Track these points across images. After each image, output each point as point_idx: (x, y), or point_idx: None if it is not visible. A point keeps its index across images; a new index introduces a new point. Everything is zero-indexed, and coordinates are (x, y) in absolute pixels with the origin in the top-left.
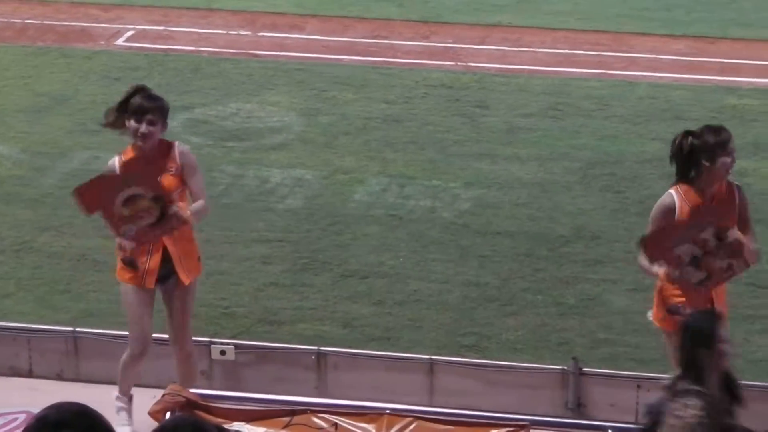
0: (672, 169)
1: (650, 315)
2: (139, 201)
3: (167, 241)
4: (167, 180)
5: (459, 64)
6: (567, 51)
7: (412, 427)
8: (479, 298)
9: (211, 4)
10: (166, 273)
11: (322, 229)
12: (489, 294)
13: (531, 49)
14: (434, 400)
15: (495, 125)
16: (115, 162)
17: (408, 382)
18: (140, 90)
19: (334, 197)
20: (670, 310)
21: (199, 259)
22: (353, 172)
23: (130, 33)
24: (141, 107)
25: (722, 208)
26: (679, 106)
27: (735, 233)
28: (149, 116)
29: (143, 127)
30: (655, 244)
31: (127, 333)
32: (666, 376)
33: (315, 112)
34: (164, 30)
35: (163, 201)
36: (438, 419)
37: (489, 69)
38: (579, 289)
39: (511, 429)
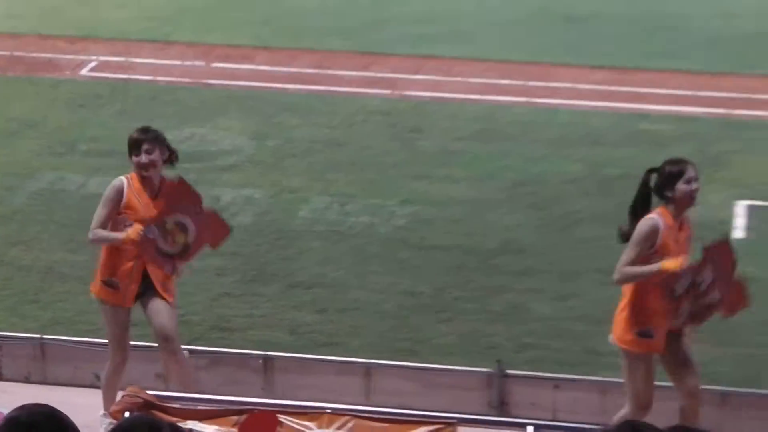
0: (589, 186)
1: (612, 338)
2: (180, 233)
3: (150, 267)
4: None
5: (396, 92)
6: (495, 80)
7: (350, 424)
8: (414, 307)
9: (168, 37)
10: (143, 290)
11: (270, 244)
12: (423, 302)
13: (462, 79)
14: (371, 399)
15: (429, 148)
16: (123, 182)
17: (348, 383)
18: (137, 129)
19: (281, 214)
20: (641, 334)
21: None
22: (298, 191)
23: (93, 63)
24: (136, 141)
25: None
26: (597, 131)
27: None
28: (145, 146)
29: (143, 158)
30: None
31: (91, 340)
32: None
33: (263, 136)
34: (125, 61)
35: (188, 251)
36: (374, 417)
37: (423, 97)
38: (506, 298)
39: (441, 426)
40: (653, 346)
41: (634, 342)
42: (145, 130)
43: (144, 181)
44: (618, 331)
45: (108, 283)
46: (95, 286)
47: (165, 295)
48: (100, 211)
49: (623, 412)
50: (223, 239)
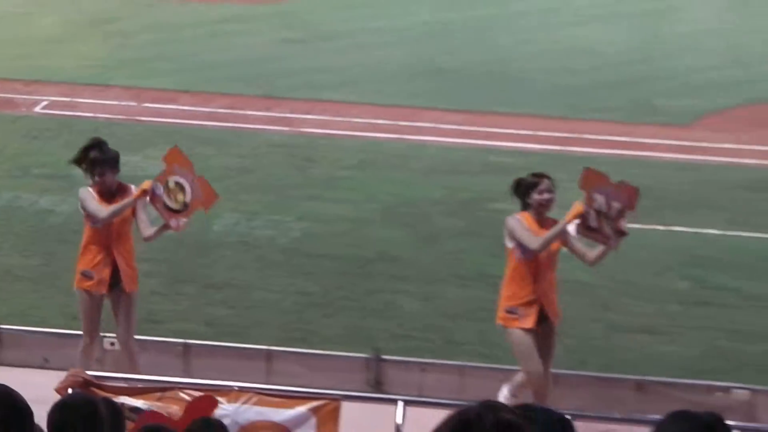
0: (450, 208)
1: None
2: (180, 192)
3: (117, 258)
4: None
5: (293, 129)
6: (374, 120)
7: (254, 400)
8: (307, 304)
9: (108, 82)
10: (114, 282)
11: (190, 252)
12: (314, 301)
13: (347, 119)
14: (271, 380)
15: (320, 175)
16: (88, 189)
17: (252, 366)
18: (96, 145)
19: (199, 228)
20: (508, 311)
21: (137, 276)
22: (213, 209)
23: (45, 102)
24: (95, 160)
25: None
26: (456, 163)
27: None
28: (98, 169)
29: (97, 179)
30: (593, 176)
31: (41, 329)
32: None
33: None
34: (71, 101)
35: (187, 209)
36: (273, 394)
37: (315, 133)
38: (381, 298)
39: (327, 401)
40: (519, 323)
41: (504, 318)
42: (104, 152)
43: (101, 190)
44: (498, 312)
45: (85, 274)
46: (76, 280)
47: (131, 285)
48: (93, 203)
49: (518, 377)
50: (213, 203)
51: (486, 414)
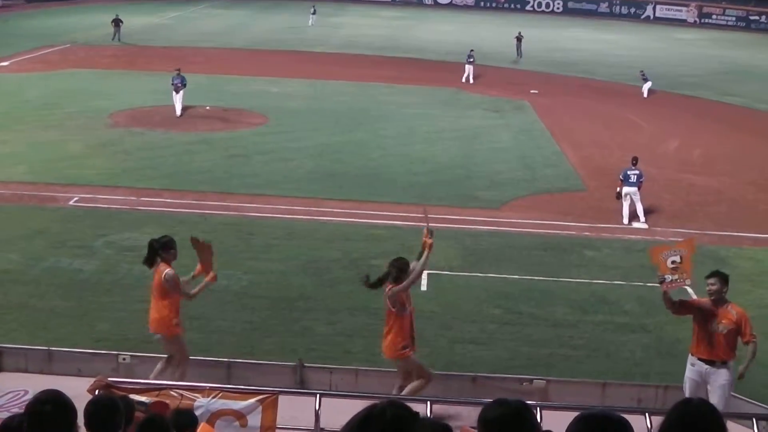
0: (344, 263)
1: (385, 355)
2: None
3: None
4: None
5: (240, 213)
6: (292, 207)
7: (219, 395)
8: (251, 329)
9: (116, 184)
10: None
11: None
12: (256, 327)
13: (275, 206)
14: (230, 381)
15: (258, 243)
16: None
17: (216, 373)
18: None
19: None
20: (404, 347)
21: (176, 324)
22: (190, 267)
23: (76, 198)
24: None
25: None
26: (347, 234)
27: None
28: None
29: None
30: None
31: (76, 350)
32: None
33: None
34: (93, 197)
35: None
36: (232, 390)
37: (255, 216)
38: (301, 324)
39: (269, 395)
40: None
41: (401, 354)
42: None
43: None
44: (390, 351)
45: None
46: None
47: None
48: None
49: (418, 383)
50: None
51: (387, 409)
